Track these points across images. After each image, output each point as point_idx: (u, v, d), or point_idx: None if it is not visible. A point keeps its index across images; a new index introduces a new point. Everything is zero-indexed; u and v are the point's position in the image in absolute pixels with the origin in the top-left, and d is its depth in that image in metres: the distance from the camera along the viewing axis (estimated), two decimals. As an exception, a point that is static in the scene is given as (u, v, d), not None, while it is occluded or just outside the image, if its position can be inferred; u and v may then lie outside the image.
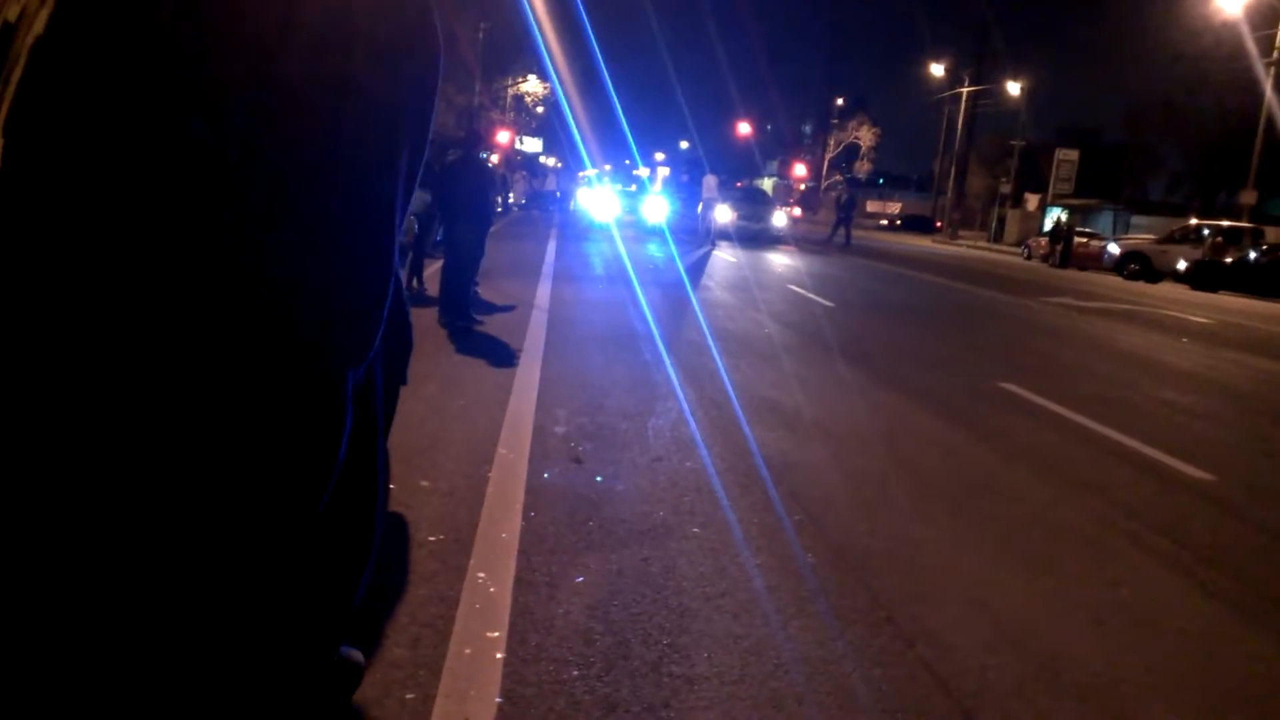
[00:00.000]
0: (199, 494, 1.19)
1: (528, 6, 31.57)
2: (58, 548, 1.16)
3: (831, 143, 68.93)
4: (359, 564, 1.72)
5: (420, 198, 4.15)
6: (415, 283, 10.10)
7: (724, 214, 26.63)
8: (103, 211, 1.07)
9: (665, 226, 27.48)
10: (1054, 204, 41.45)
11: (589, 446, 4.71)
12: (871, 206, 75.17)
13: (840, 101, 73.65)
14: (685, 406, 5.72)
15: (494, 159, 29.61)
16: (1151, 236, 28.37)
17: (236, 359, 1.15)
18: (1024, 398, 6.87)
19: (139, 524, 1.18)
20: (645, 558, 3.35)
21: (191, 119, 1.04)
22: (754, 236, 26.68)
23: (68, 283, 1.08)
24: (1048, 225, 36.63)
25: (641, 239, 24.38)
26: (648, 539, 3.54)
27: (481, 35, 38.60)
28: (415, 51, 1.31)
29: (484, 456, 4.34)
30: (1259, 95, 28.76)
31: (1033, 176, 49.41)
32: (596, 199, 34.56)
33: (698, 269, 16.73)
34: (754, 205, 28.68)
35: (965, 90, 50.05)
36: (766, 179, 69.96)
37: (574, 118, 44.88)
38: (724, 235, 25.94)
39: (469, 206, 8.29)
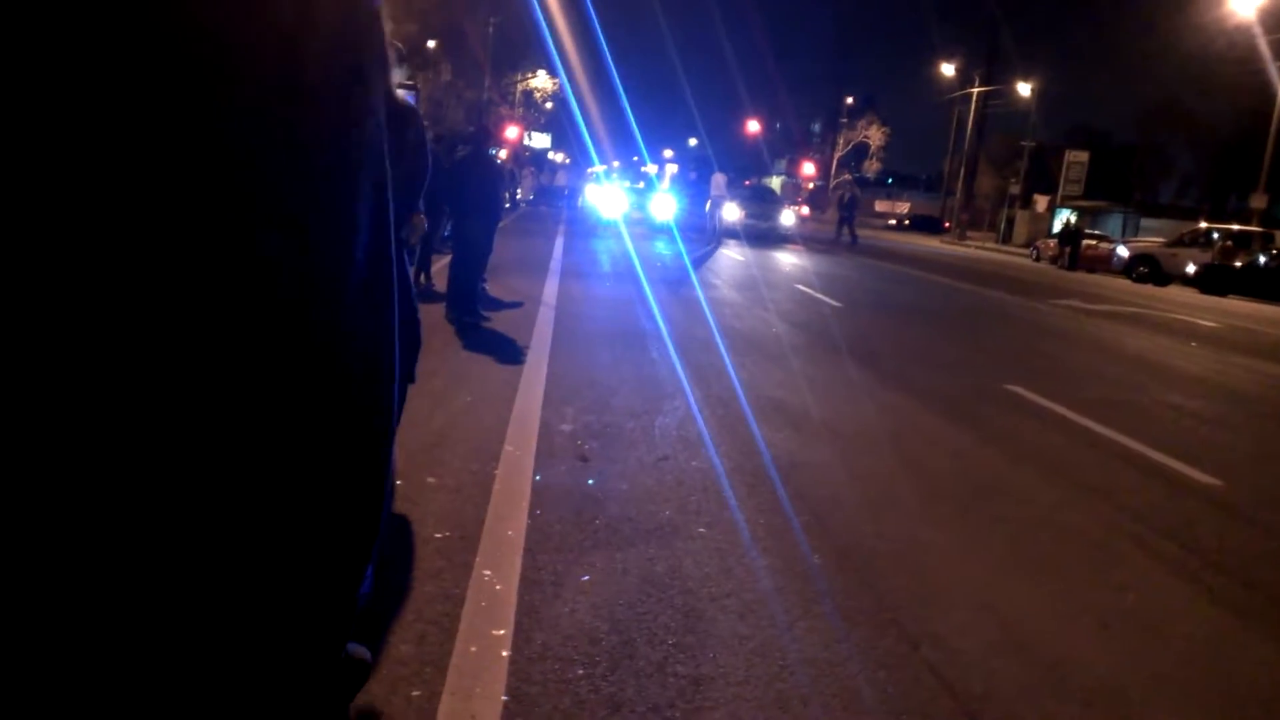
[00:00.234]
0: (202, 490, 1.19)
1: (536, 2, 31.56)
2: (56, 542, 1.15)
3: (840, 141, 68.82)
4: (361, 557, 1.72)
5: (418, 222, 4.15)
6: (423, 278, 10.11)
7: (732, 212, 26.62)
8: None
9: (673, 224, 27.47)
10: (1063, 205, 41.29)
11: (595, 444, 4.71)
12: (880, 206, 75.06)
13: (849, 100, 73.55)
14: (692, 405, 5.72)
15: (502, 154, 29.61)
16: (1161, 239, 28.27)
17: (254, 359, 1.14)
18: (1031, 400, 6.85)
19: (141, 518, 1.18)
20: (651, 557, 3.35)
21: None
22: (762, 235, 26.65)
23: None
24: (1057, 227, 36.52)
25: (649, 236, 24.37)
26: (654, 538, 3.54)
27: (491, 30, 38.60)
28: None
29: (491, 453, 4.34)
30: (1271, 98, 28.61)
31: (1042, 178, 49.26)
32: (605, 195, 34.57)
33: (705, 267, 16.72)
34: (762, 204, 28.65)
35: (975, 90, 49.91)
36: (775, 177, 69.83)
37: (582, 114, 44.90)
38: (732, 234, 25.93)
39: (478, 202, 8.29)
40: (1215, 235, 25.04)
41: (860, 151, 67.17)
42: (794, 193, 56.49)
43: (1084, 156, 44.18)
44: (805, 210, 50.87)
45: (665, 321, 9.20)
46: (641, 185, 47.08)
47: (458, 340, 7.26)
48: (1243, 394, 8.37)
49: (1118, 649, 3.01)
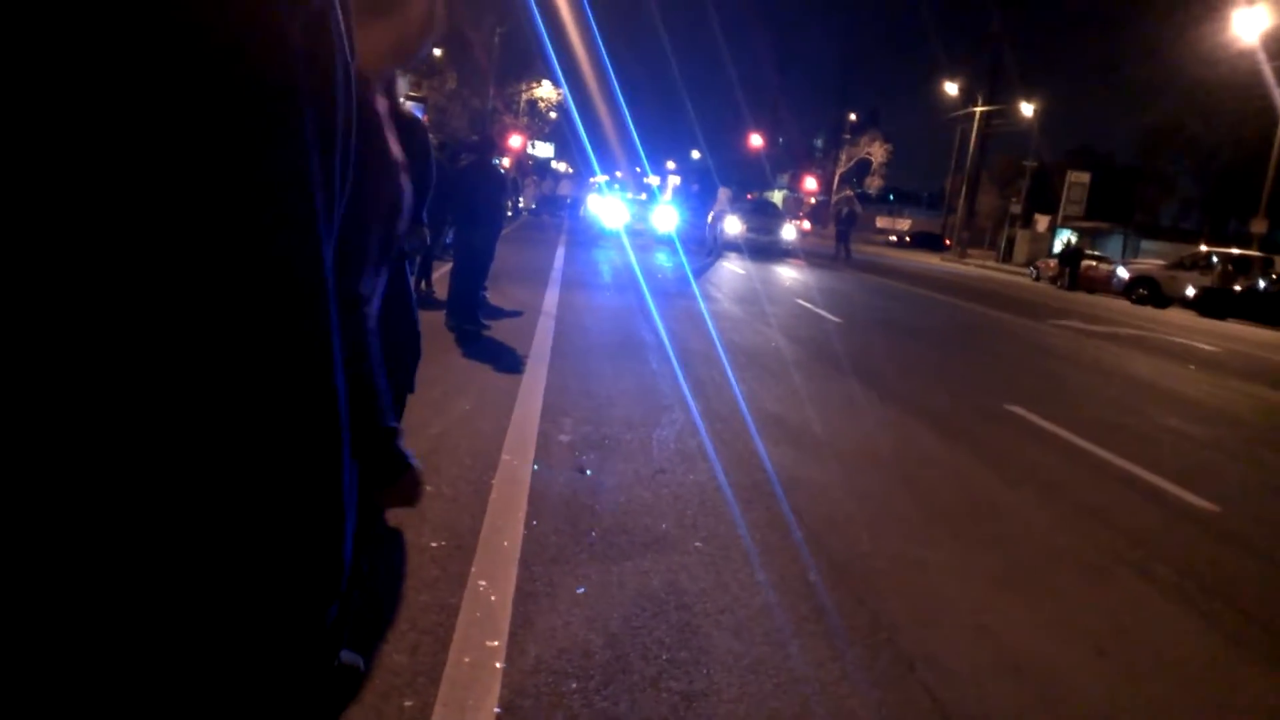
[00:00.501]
0: (194, 500, 1.17)
1: (537, 14, 31.68)
2: (50, 548, 1.14)
3: (843, 157, 68.94)
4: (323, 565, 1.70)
5: (420, 232, 4.15)
6: (424, 285, 10.12)
7: (733, 226, 26.66)
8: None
9: (675, 235, 27.51)
10: (1064, 226, 41.39)
11: (593, 456, 4.70)
12: (881, 222, 75.15)
13: (853, 116, 73.83)
14: (691, 418, 5.72)
15: (505, 163, 29.64)
16: (1161, 262, 28.32)
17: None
18: (1030, 421, 6.85)
19: (133, 524, 1.16)
20: (647, 570, 3.35)
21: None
22: (763, 249, 26.69)
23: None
24: (1057, 247, 36.59)
25: (651, 247, 24.40)
26: (649, 552, 3.53)
27: (496, 39, 38.73)
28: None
29: (488, 463, 4.34)
30: (1272, 124, 28.71)
31: (1043, 197, 49.35)
32: (607, 206, 34.63)
33: (707, 279, 16.74)
34: (764, 218, 28.69)
35: (978, 109, 50.07)
36: (777, 192, 70.01)
37: (586, 124, 45.04)
38: (733, 247, 25.97)
39: (480, 210, 8.31)
40: (1215, 259, 25.09)
41: (862, 167, 67.26)
42: (796, 207, 56.62)
43: (1085, 177, 44.29)
44: (807, 225, 50.96)
45: (666, 333, 9.20)
46: (644, 196, 47.19)
47: (458, 348, 7.26)
48: (1241, 419, 8.37)
49: (1113, 674, 3.00)
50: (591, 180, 47.23)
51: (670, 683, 2.58)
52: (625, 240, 24.93)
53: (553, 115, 50.92)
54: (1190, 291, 23.69)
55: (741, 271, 19.78)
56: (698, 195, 31.95)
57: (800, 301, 14.51)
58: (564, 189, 42.80)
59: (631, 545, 3.58)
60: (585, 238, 25.15)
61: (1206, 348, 14.71)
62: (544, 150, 57.82)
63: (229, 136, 0.65)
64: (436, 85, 34.50)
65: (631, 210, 36.35)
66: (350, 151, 0.84)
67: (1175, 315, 22.42)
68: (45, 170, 0.62)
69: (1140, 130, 53.98)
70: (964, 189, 50.91)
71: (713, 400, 6.35)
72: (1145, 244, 41.82)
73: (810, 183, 66.30)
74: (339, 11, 0.76)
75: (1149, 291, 25.19)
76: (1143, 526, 4.62)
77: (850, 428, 6.07)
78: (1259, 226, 28.46)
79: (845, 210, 33.25)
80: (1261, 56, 30.13)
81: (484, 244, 8.45)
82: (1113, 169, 55.90)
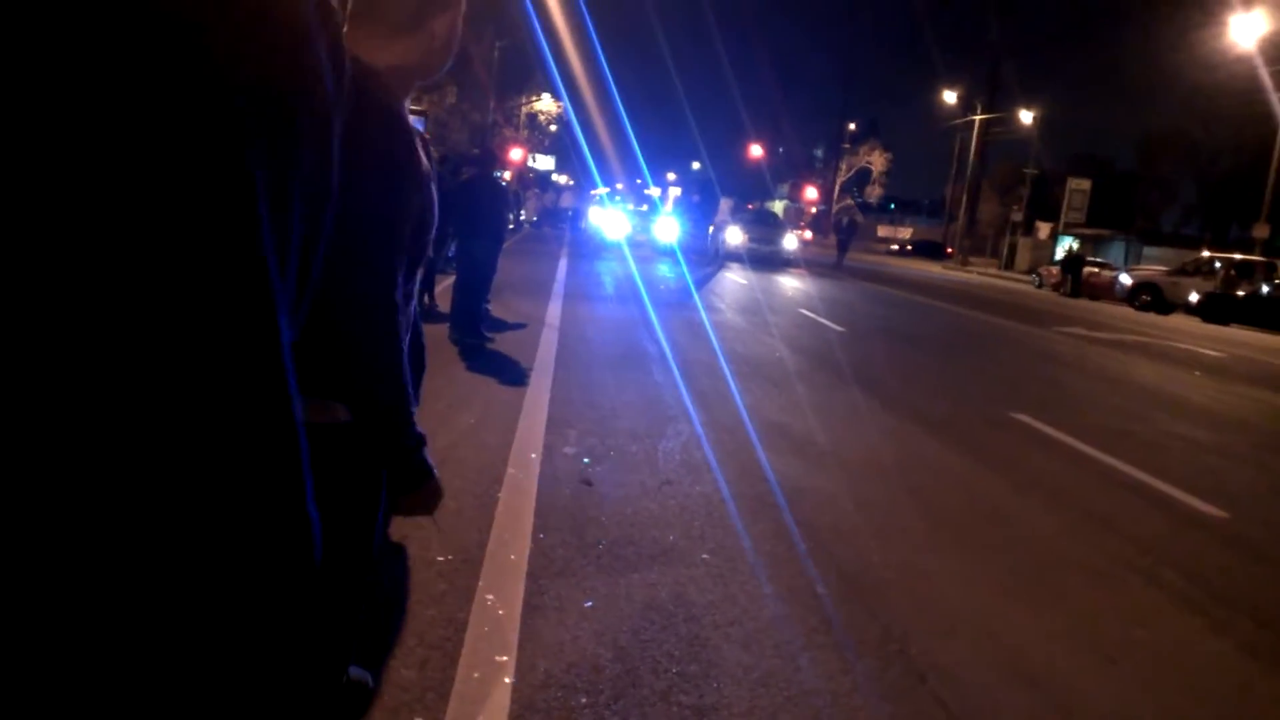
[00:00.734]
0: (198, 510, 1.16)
1: (539, 27, 31.80)
2: (51, 557, 1.12)
3: (843, 167, 69.07)
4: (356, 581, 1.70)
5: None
6: (427, 299, 10.12)
7: (735, 236, 26.69)
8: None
9: (676, 246, 27.54)
10: (1065, 233, 41.41)
11: (599, 468, 4.69)
12: (882, 231, 75.31)
13: (852, 126, 73.94)
14: (696, 430, 5.71)
15: (506, 176, 29.71)
16: (1163, 268, 28.31)
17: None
18: (1036, 429, 6.83)
19: (137, 534, 1.15)
20: (654, 583, 3.33)
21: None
22: (765, 259, 26.72)
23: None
24: (1059, 254, 36.58)
25: (653, 259, 24.42)
26: (657, 564, 3.51)
27: (496, 54, 38.86)
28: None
29: (494, 476, 4.33)
30: (1273, 129, 28.76)
31: (1045, 205, 49.41)
32: (608, 218, 34.68)
33: (709, 290, 16.74)
34: (765, 228, 28.74)
35: (978, 117, 50.18)
36: (778, 201, 70.09)
37: (586, 137, 45.15)
38: (735, 257, 25.99)
39: (482, 224, 8.32)
40: (1218, 264, 25.08)
41: (863, 177, 67.39)
42: (797, 217, 56.69)
43: (1086, 184, 44.33)
44: (808, 235, 50.99)
45: (669, 344, 9.20)
46: (645, 208, 47.26)
47: (461, 361, 7.26)
48: (1247, 424, 8.34)
49: (1126, 682, 2.98)
50: (593, 193, 47.33)
51: (680, 696, 2.56)
52: (627, 252, 24.96)
53: (553, 128, 51.08)
54: (1193, 297, 23.66)
55: (743, 281, 19.79)
56: (699, 206, 31.99)
57: (803, 311, 14.51)
58: (565, 201, 42.90)
59: (639, 557, 3.56)
60: (587, 250, 25.18)
61: (1211, 353, 14.68)
62: (545, 163, 57.94)
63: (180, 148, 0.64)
64: (437, 99, 34.59)
65: (633, 222, 36.42)
66: (334, 157, 0.83)
67: (1179, 321, 22.39)
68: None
69: (1141, 136, 54.12)
70: (965, 197, 50.97)
71: (717, 411, 6.34)
72: (1147, 250, 41.80)
73: (811, 192, 66.35)
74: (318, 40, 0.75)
75: (1152, 297, 25.17)
76: (1151, 533, 4.60)
77: (855, 437, 6.06)
78: (1261, 231, 28.47)
79: (846, 220, 33.34)
80: (1259, 61, 30.17)
81: (486, 257, 8.46)
82: (1114, 176, 56.01)
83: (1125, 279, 27.10)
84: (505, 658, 2.65)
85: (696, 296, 15.10)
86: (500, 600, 3.02)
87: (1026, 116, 47.35)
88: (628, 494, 4.33)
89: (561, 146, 55.72)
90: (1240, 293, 22.92)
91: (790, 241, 28.96)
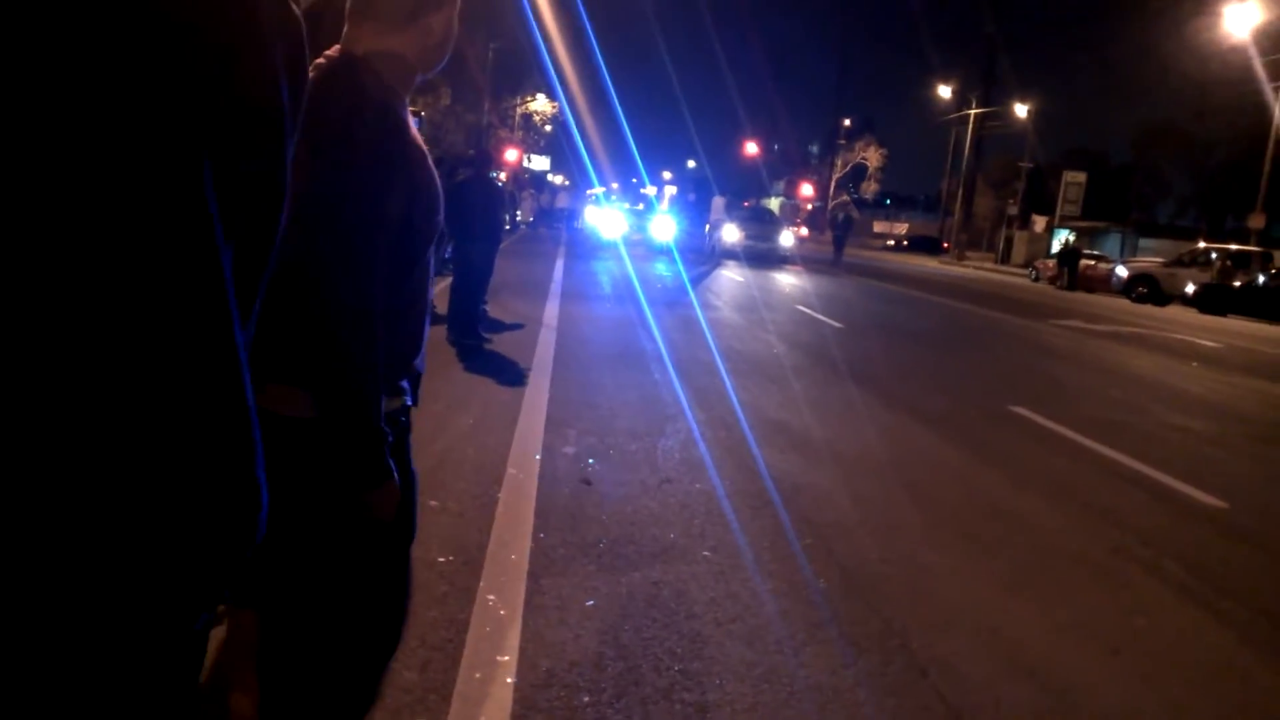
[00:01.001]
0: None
1: (535, 26, 31.77)
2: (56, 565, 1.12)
3: (839, 163, 69.09)
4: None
5: None
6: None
7: (731, 234, 26.70)
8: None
9: (673, 245, 27.55)
10: (1061, 226, 41.43)
11: (598, 467, 4.69)
12: (878, 227, 75.29)
13: (847, 122, 73.92)
14: (694, 428, 5.71)
15: (502, 177, 29.67)
16: (1159, 259, 28.34)
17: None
18: (1035, 422, 6.83)
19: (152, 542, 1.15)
20: (656, 581, 3.33)
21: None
22: (761, 256, 26.72)
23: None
24: (1055, 247, 36.59)
25: (649, 257, 24.42)
26: (658, 562, 3.51)
27: (491, 55, 38.83)
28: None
29: (493, 476, 4.32)
30: (1267, 119, 28.79)
31: (1040, 198, 49.46)
32: (604, 217, 34.67)
33: (705, 288, 16.74)
34: (761, 225, 28.75)
35: (973, 112, 50.20)
36: (773, 199, 70.12)
37: (582, 136, 45.12)
38: (731, 254, 26.00)
39: (478, 225, 8.31)
40: (1214, 255, 25.11)
41: (858, 173, 67.43)
42: (793, 214, 56.71)
43: (1081, 177, 44.34)
44: (804, 231, 51.00)
45: (666, 343, 9.19)
46: (641, 207, 47.27)
47: (459, 362, 7.25)
48: (1246, 415, 8.35)
49: (1128, 675, 2.98)
50: (588, 193, 47.35)
51: (683, 694, 2.56)
52: (623, 251, 24.96)
53: (547, 128, 51.05)
54: (1190, 288, 23.68)
55: (740, 279, 19.79)
56: (694, 205, 32.03)
57: (800, 308, 14.51)
58: (561, 201, 42.92)
59: (640, 556, 3.56)
60: (584, 250, 25.17)
61: (1208, 344, 14.70)
62: (540, 163, 57.90)
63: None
64: (431, 101, 34.57)
65: (630, 221, 36.41)
66: (286, 158, 0.85)
67: (1175, 312, 22.41)
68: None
69: (1135, 129, 54.17)
70: (960, 192, 50.99)
71: (715, 408, 6.34)
72: (1143, 242, 41.88)
73: (806, 189, 66.35)
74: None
75: (1148, 289, 25.20)
76: (1152, 525, 4.60)
77: (854, 433, 6.06)
78: (1257, 222, 28.51)
79: (842, 216, 33.35)
80: (1253, 52, 30.19)
81: (482, 258, 8.46)
82: (1108, 168, 56.02)
83: (1121, 271, 27.13)
84: (507, 658, 2.65)
85: (693, 295, 15.10)
86: (501, 600, 3.02)
87: (1021, 110, 47.35)
88: (628, 493, 4.33)
89: (558, 146, 55.69)
90: (1237, 283, 22.95)
91: (786, 238, 28.98)
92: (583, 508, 4.06)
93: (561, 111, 46.36)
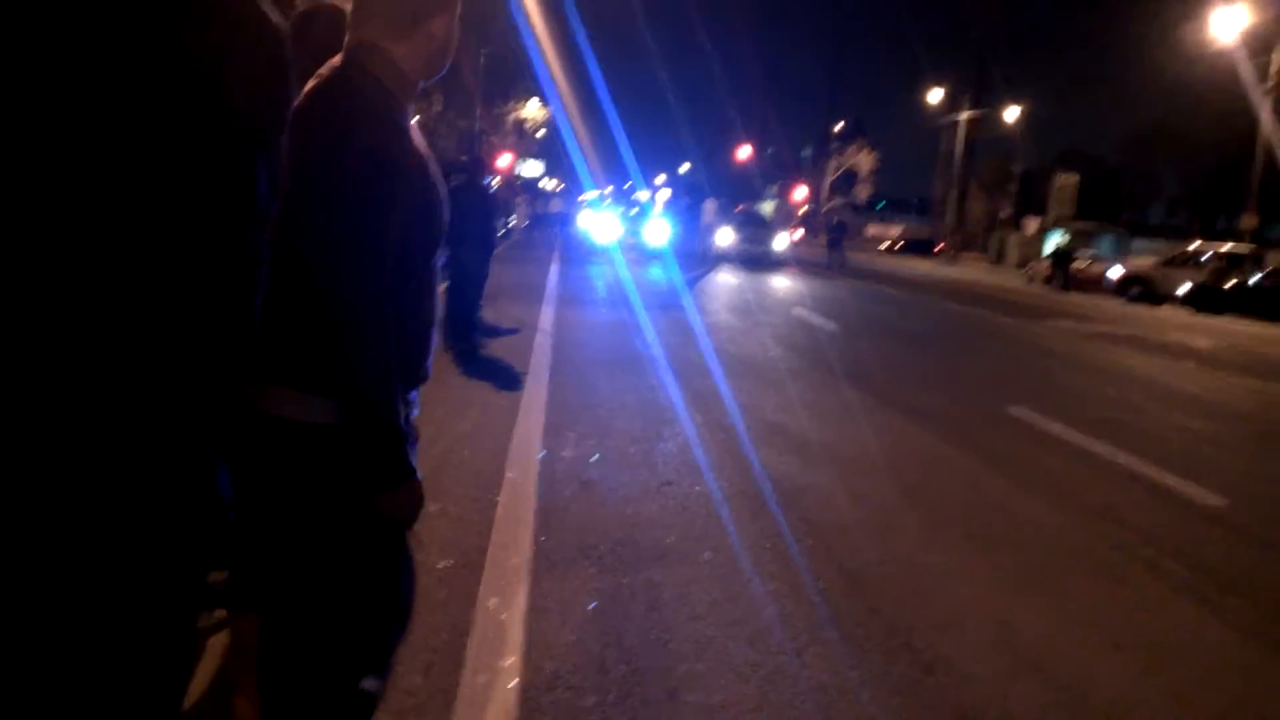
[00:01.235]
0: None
1: (527, 30, 31.79)
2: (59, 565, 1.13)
3: (831, 166, 69.15)
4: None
5: None
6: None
7: (725, 237, 26.71)
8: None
9: (667, 249, 27.55)
10: (1054, 227, 41.52)
11: (598, 470, 4.68)
12: (872, 230, 75.30)
13: (839, 126, 73.99)
14: (693, 430, 5.70)
15: (495, 183, 29.66)
16: (1153, 260, 28.38)
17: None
18: (1033, 422, 6.83)
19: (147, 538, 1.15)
20: (657, 583, 3.32)
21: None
22: (755, 259, 26.74)
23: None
24: (1048, 249, 36.65)
25: (644, 261, 24.41)
26: (659, 564, 3.50)
27: (483, 60, 38.83)
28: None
29: (492, 480, 4.31)
30: (1256, 120, 28.90)
31: (1033, 200, 49.57)
32: (598, 221, 34.63)
33: (701, 291, 16.74)
34: (755, 228, 28.77)
35: (965, 115, 50.29)
36: (767, 202, 70.16)
37: (575, 141, 45.12)
38: (725, 258, 26.01)
39: (473, 231, 8.30)
40: (1207, 255, 25.17)
41: (851, 176, 67.51)
42: (786, 217, 56.74)
43: (1074, 179, 44.51)
44: (798, 234, 51.03)
45: (662, 346, 9.19)
46: (635, 211, 47.23)
47: (456, 367, 7.24)
48: (1241, 413, 8.37)
49: (1131, 670, 2.97)
50: (580, 198, 47.36)
51: (688, 695, 2.55)
52: (618, 255, 24.96)
53: (539, 134, 51.05)
54: (1183, 289, 23.73)
55: (734, 282, 19.79)
56: (688, 209, 32.01)
57: (795, 310, 14.51)
58: (555, 206, 42.94)
59: (641, 558, 3.55)
60: (578, 255, 25.15)
61: (1204, 344, 14.73)
62: (533, 169, 57.87)
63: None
64: (424, 107, 34.57)
65: (624, 225, 36.37)
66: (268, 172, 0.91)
67: (1169, 313, 22.46)
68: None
69: (1126, 130, 54.38)
70: (953, 195, 51.10)
71: (713, 411, 6.33)
72: (1136, 243, 41.92)
73: (800, 193, 66.43)
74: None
75: (1142, 290, 25.23)
76: (1152, 523, 4.61)
77: (852, 435, 6.06)
78: (1249, 221, 28.59)
79: (836, 219, 33.41)
80: (1242, 54, 30.32)
81: (477, 264, 8.45)
82: (1100, 170, 56.22)
83: (1115, 272, 27.16)
84: (510, 661, 2.63)
85: (689, 298, 15.09)
86: (503, 604, 3.01)
87: (1013, 113, 47.47)
88: (627, 495, 4.32)
89: (551, 150, 55.70)
90: (1230, 283, 23.00)
91: (780, 241, 28.98)
92: (583, 511, 4.05)
93: (554, 116, 46.38)
